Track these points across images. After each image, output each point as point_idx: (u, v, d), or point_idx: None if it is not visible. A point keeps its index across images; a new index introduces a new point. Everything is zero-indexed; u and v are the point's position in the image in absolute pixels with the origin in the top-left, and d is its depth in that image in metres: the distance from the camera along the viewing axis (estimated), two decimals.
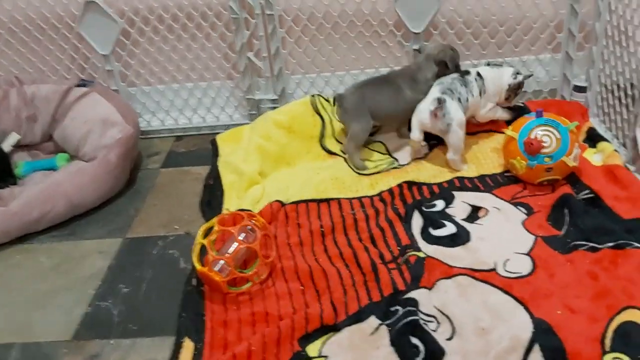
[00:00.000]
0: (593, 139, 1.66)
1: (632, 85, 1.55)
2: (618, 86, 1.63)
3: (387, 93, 1.69)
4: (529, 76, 1.76)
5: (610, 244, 1.25)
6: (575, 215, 1.36)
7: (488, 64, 1.72)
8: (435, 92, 1.60)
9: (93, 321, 1.28)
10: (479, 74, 1.66)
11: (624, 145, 1.58)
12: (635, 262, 1.18)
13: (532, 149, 1.43)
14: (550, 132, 1.44)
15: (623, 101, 1.59)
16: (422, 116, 1.58)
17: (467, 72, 1.67)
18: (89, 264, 1.45)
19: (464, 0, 1.84)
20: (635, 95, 1.50)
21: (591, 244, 1.27)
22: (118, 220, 1.61)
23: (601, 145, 1.62)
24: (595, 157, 1.59)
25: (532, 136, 1.44)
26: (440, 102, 1.55)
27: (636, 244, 1.23)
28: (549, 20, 1.87)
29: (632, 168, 1.52)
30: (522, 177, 1.51)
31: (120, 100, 1.83)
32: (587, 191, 1.44)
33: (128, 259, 1.46)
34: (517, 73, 1.69)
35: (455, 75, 1.66)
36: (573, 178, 1.50)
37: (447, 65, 1.69)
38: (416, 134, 1.61)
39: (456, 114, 1.56)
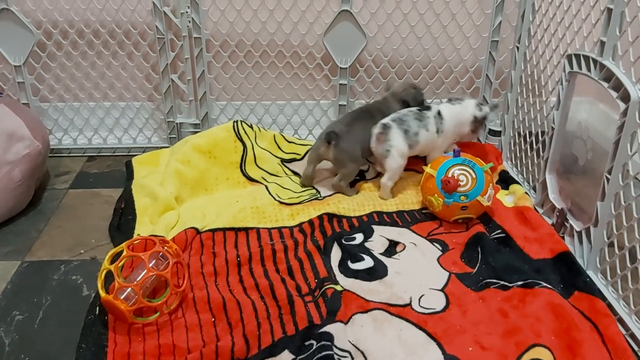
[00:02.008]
0: (505, 181, 1.73)
1: (543, 132, 1.64)
2: (530, 132, 1.71)
3: (371, 124, 1.68)
4: (495, 106, 1.76)
5: (520, 283, 1.29)
6: (488, 254, 1.39)
7: (449, 100, 1.74)
8: (386, 119, 1.64)
9: None
10: (439, 112, 1.68)
11: (534, 188, 1.65)
12: (543, 301, 1.22)
13: (449, 187, 1.46)
14: (466, 171, 1.48)
15: (534, 147, 1.67)
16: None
17: (428, 108, 1.69)
18: None
19: (390, 39, 1.89)
20: (546, 142, 1.57)
21: (502, 282, 1.30)
22: (17, 242, 1.50)
23: (513, 187, 1.68)
24: (507, 198, 1.65)
25: (450, 175, 1.48)
26: (385, 127, 1.61)
27: (543, 284, 1.27)
28: (468, 66, 1.96)
29: (540, 210, 1.58)
30: (439, 215, 1.54)
31: (29, 115, 1.73)
32: (499, 231, 1.49)
33: (25, 283, 1.36)
34: (481, 104, 1.71)
35: (414, 109, 1.69)
36: (486, 217, 1.54)
37: (409, 104, 1.74)
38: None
39: (398, 141, 1.61)
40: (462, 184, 1.47)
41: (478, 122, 1.70)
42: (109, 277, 1.21)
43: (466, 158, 1.53)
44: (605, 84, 1.26)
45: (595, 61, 1.32)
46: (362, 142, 1.66)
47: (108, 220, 1.59)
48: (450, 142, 1.73)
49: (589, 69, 1.34)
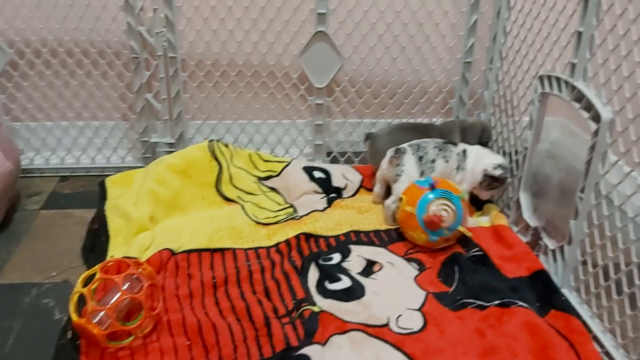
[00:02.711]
0: (480, 200, 1.74)
1: (516, 151, 1.66)
2: (504, 152, 1.73)
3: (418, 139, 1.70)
4: (505, 177, 1.63)
5: (497, 302, 1.29)
6: (465, 273, 1.40)
7: (480, 143, 1.73)
8: (405, 144, 1.65)
9: None
10: (464, 151, 1.67)
11: (508, 206, 1.66)
12: (519, 320, 1.23)
13: (434, 226, 1.45)
14: (447, 205, 1.46)
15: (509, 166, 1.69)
16: (383, 161, 1.66)
17: (455, 144, 1.69)
18: None
19: (365, 60, 1.90)
20: (520, 161, 1.60)
21: (479, 302, 1.31)
22: None
23: (487, 207, 1.70)
24: (482, 218, 1.66)
25: (431, 212, 1.45)
26: (398, 151, 1.62)
27: (520, 303, 1.28)
28: (442, 87, 1.98)
29: (515, 229, 1.60)
30: (421, 246, 1.52)
31: (0, 134, 1.69)
32: (476, 249, 1.49)
33: None
34: (500, 166, 1.62)
35: (440, 140, 1.68)
36: (463, 237, 1.55)
37: (468, 137, 1.77)
38: (377, 188, 1.72)
39: (410, 167, 1.60)
40: (444, 218, 1.45)
41: (485, 179, 1.63)
42: (82, 300, 1.18)
43: (442, 189, 1.49)
44: (577, 105, 1.29)
45: (566, 82, 1.34)
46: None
47: (81, 242, 1.56)
48: (468, 187, 1.66)
49: (560, 90, 1.37)
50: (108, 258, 1.45)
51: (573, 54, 1.32)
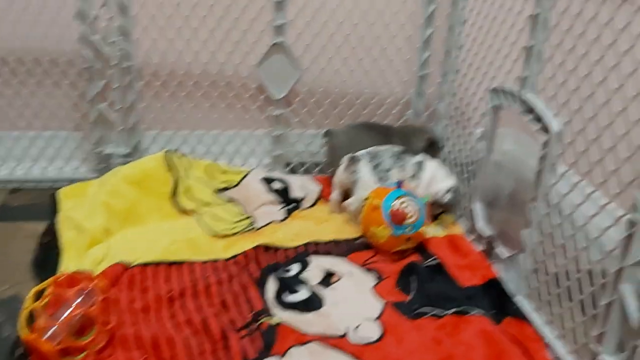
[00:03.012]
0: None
1: (471, 162, 1.70)
2: (458, 162, 1.77)
3: (376, 140, 1.74)
4: (450, 204, 1.66)
5: (453, 311, 1.31)
6: (422, 282, 1.42)
7: (429, 146, 1.77)
8: (361, 152, 1.68)
9: None
10: (420, 162, 1.68)
11: (463, 216, 1.70)
12: (475, 328, 1.25)
13: (398, 219, 1.48)
14: (411, 203, 1.50)
15: (463, 176, 1.72)
16: (339, 169, 1.70)
17: (415, 154, 1.71)
18: None
19: (323, 71, 1.92)
20: (473, 172, 1.63)
21: (436, 311, 1.32)
22: None
23: (442, 217, 1.72)
24: (438, 228, 1.69)
25: (396, 207, 1.49)
26: (353, 159, 1.66)
27: (475, 311, 1.30)
28: (399, 98, 2.01)
29: (470, 238, 1.63)
30: (381, 246, 1.54)
31: None
32: (432, 258, 1.52)
33: None
34: (451, 190, 1.64)
35: (397, 148, 1.70)
36: (420, 246, 1.57)
37: (430, 145, 1.79)
38: (335, 194, 1.74)
39: (365, 175, 1.64)
40: (409, 215, 1.49)
41: (435, 200, 1.63)
42: (32, 316, 1.15)
43: (407, 190, 1.55)
44: (527, 117, 1.33)
45: (517, 95, 1.38)
46: (359, 146, 1.72)
47: (31, 256, 1.51)
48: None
49: (512, 103, 1.41)
50: (60, 272, 1.41)
51: (523, 67, 1.36)
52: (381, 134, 1.81)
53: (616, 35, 1.05)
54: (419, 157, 1.71)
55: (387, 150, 1.69)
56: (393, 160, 1.67)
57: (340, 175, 1.70)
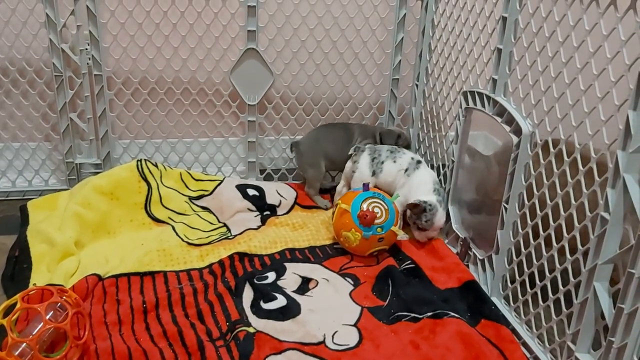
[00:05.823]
0: None
1: (443, 165, 1.70)
2: (432, 165, 1.77)
3: (341, 138, 1.82)
4: (423, 210, 1.56)
5: (430, 314, 1.31)
6: (398, 286, 1.41)
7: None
8: (362, 144, 1.78)
9: None
10: (418, 161, 1.67)
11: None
12: (452, 330, 1.25)
13: (367, 221, 1.48)
14: (379, 204, 1.51)
15: (437, 178, 1.73)
16: (349, 161, 1.77)
17: (408, 150, 1.75)
18: None
19: (296, 78, 1.91)
20: (447, 174, 1.64)
21: (413, 314, 1.32)
22: None
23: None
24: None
25: (365, 208, 1.50)
26: (357, 149, 1.74)
27: (452, 313, 1.30)
28: (372, 103, 2.02)
29: (445, 240, 1.64)
30: (354, 250, 1.55)
31: None
32: (408, 262, 1.52)
33: None
34: (427, 203, 1.56)
35: (394, 146, 1.76)
36: (396, 249, 1.57)
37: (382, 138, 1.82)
38: (340, 185, 1.80)
39: (363, 167, 1.70)
40: (377, 215, 1.49)
41: (412, 208, 1.57)
42: (2, 332, 1.11)
43: (375, 191, 1.56)
44: (499, 119, 1.34)
45: (488, 97, 1.39)
46: (324, 151, 1.81)
47: (0, 270, 1.47)
48: (403, 200, 1.62)
49: (483, 105, 1.42)
50: (30, 286, 1.38)
51: (494, 70, 1.37)
52: (342, 129, 1.86)
53: (584, 36, 1.06)
54: (417, 157, 1.71)
55: (386, 146, 1.74)
56: (388, 153, 1.71)
57: (348, 166, 1.75)
